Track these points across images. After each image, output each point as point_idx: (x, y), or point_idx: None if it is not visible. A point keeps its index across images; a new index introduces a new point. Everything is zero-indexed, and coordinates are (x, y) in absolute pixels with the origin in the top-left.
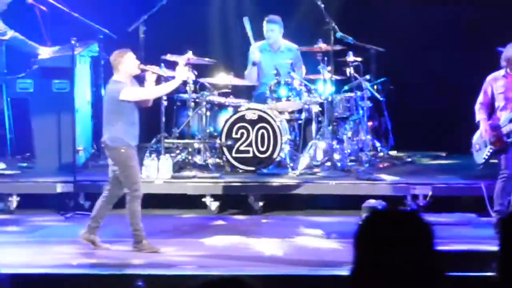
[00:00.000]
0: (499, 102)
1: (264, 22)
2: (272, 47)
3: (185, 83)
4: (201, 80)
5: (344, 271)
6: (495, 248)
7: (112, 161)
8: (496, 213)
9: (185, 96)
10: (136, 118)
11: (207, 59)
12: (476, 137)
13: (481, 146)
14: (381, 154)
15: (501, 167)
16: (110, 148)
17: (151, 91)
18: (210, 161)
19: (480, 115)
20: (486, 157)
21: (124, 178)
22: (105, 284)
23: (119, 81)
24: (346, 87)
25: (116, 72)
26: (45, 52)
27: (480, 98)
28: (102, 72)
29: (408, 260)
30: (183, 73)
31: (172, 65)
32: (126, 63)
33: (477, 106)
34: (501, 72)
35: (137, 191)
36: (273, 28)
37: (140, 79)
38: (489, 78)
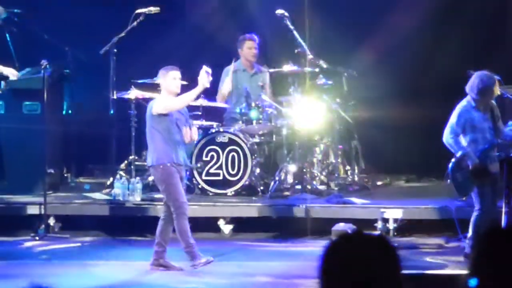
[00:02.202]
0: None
1: (246, 41)
2: (247, 68)
3: None
4: None
5: None
6: (462, 271)
7: (154, 180)
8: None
9: None
10: (177, 136)
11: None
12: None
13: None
14: (352, 177)
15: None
16: (151, 167)
17: (178, 99)
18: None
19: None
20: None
21: (167, 196)
22: None
23: (154, 99)
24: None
25: (162, 89)
26: (11, 74)
27: (456, 129)
28: (72, 93)
29: (373, 284)
30: (206, 79)
31: (144, 86)
32: (169, 78)
33: (456, 139)
34: (472, 102)
35: (181, 208)
36: (256, 46)
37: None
38: (461, 110)
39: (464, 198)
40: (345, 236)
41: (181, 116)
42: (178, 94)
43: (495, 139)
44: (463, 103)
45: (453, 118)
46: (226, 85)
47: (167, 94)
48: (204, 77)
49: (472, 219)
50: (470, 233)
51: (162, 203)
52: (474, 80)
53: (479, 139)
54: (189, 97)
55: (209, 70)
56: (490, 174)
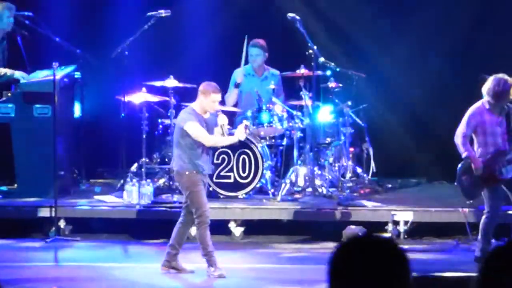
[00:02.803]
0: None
1: (249, 47)
2: (257, 72)
3: (167, 108)
4: (183, 104)
5: None
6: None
7: (179, 185)
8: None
9: (166, 121)
10: (204, 146)
11: (188, 85)
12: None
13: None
14: (363, 180)
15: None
16: (176, 173)
17: (210, 139)
18: None
19: (473, 152)
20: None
21: (190, 203)
22: None
23: (192, 111)
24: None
25: (196, 100)
26: (22, 77)
27: (465, 131)
28: (83, 97)
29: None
30: (242, 135)
31: (154, 89)
32: (209, 100)
33: (463, 140)
34: (486, 105)
35: (202, 217)
36: (258, 53)
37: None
38: (474, 112)
39: (471, 202)
40: (354, 239)
41: (208, 126)
42: None
43: (507, 145)
44: (477, 104)
45: (464, 119)
46: (232, 97)
47: (200, 109)
48: (242, 132)
49: (482, 222)
50: (480, 236)
51: (183, 206)
52: (491, 82)
53: (489, 143)
54: (221, 143)
55: (248, 124)
56: (496, 179)
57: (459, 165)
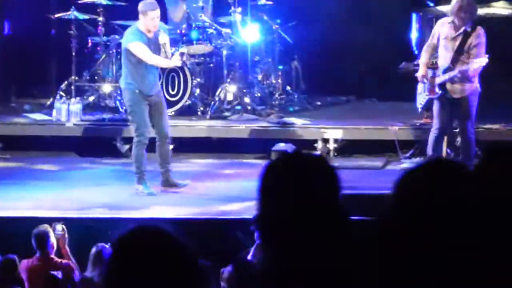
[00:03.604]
0: (441, 50)
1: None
2: None
3: (96, 25)
4: (113, 22)
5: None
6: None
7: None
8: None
9: (96, 39)
10: (147, 69)
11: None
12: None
13: (421, 90)
14: (292, 97)
15: (433, 120)
16: (122, 91)
17: (151, 58)
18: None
19: (422, 58)
20: (422, 103)
21: (131, 121)
22: None
23: (135, 30)
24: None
25: (139, 19)
26: None
27: (429, 40)
28: (13, 14)
29: (311, 204)
30: (178, 62)
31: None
32: (147, 18)
33: (424, 47)
34: (449, 19)
35: (140, 136)
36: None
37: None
38: (439, 22)
39: (419, 111)
40: (284, 156)
41: (154, 45)
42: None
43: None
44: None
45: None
46: (178, 12)
47: (143, 28)
48: (178, 58)
49: (431, 138)
50: (429, 152)
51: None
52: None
53: (441, 55)
54: (160, 64)
55: (185, 51)
56: (432, 91)
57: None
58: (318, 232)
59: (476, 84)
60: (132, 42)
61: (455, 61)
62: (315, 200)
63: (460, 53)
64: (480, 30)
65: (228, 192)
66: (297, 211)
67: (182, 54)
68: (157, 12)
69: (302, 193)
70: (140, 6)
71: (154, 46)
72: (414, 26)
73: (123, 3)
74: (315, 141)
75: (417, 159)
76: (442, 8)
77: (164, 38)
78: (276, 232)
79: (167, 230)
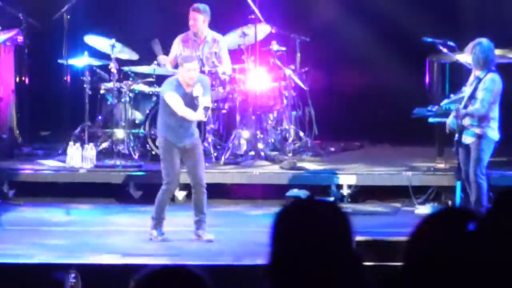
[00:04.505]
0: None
1: (190, 11)
2: (197, 37)
3: (109, 72)
4: (125, 68)
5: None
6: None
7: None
8: None
9: (109, 85)
10: (177, 121)
11: (128, 53)
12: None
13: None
14: (305, 143)
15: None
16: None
17: (181, 110)
18: (134, 150)
19: None
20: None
21: (162, 168)
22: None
23: (174, 81)
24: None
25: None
26: None
27: None
28: (26, 60)
29: (324, 249)
30: (201, 116)
31: (97, 53)
32: (183, 70)
33: None
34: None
35: (167, 184)
36: (197, 17)
37: None
38: None
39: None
40: (296, 202)
41: (190, 98)
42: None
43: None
44: None
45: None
46: (171, 56)
47: (181, 80)
48: (201, 113)
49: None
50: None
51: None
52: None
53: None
54: (187, 116)
55: (210, 106)
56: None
57: None
58: (331, 278)
59: (486, 129)
60: (166, 92)
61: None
62: (328, 247)
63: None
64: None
65: (243, 237)
66: (310, 257)
67: (206, 108)
68: (193, 64)
69: (315, 239)
70: (179, 58)
71: (190, 99)
72: (429, 72)
73: (133, 53)
74: (329, 187)
75: (431, 205)
76: (458, 55)
77: (197, 91)
78: (288, 278)
79: (192, 271)
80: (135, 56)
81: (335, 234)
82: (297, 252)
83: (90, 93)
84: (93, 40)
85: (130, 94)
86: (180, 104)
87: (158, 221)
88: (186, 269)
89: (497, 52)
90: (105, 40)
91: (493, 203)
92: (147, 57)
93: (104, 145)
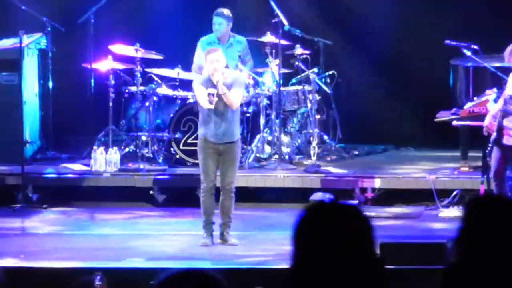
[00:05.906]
0: None
1: (213, 16)
2: (221, 41)
3: (133, 75)
4: (149, 72)
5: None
6: (439, 241)
7: None
8: None
9: (133, 88)
10: (210, 116)
11: (154, 54)
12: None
13: None
14: (329, 147)
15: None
16: None
17: (193, 86)
18: (158, 154)
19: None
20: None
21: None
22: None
23: (204, 77)
24: (294, 80)
25: None
26: None
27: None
28: (50, 64)
29: (346, 253)
30: (205, 102)
31: (120, 57)
32: (207, 63)
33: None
34: None
35: (202, 184)
36: (220, 22)
37: None
38: None
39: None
40: (319, 205)
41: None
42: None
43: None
44: None
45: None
46: (196, 60)
47: (210, 75)
48: (206, 99)
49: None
50: None
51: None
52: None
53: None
54: (198, 99)
55: (214, 92)
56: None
57: None
58: (353, 282)
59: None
60: (193, 84)
61: None
62: (349, 250)
63: None
64: None
65: (265, 240)
66: (332, 260)
67: (210, 94)
68: (215, 55)
69: (337, 242)
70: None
71: (218, 94)
72: (453, 75)
73: (158, 55)
74: (353, 190)
75: (455, 208)
76: (486, 59)
77: (218, 76)
78: (310, 282)
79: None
80: (160, 56)
81: (356, 238)
82: (319, 256)
83: (114, 97)
84: (117, 48)
85: (154, 98)
86: (196, 81)
87: (204, 225)
88: (204, 272)
89: None
90: (129, 47)
91: None
92: (171, 61)
93: (128, 149)
